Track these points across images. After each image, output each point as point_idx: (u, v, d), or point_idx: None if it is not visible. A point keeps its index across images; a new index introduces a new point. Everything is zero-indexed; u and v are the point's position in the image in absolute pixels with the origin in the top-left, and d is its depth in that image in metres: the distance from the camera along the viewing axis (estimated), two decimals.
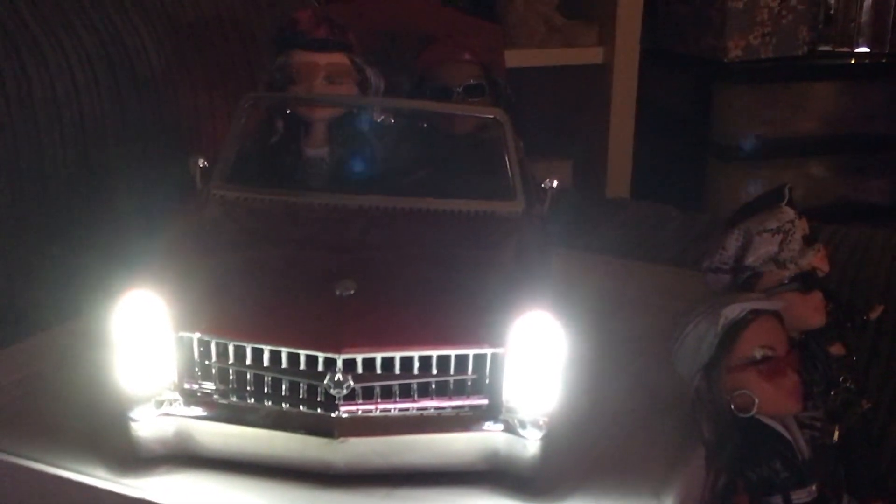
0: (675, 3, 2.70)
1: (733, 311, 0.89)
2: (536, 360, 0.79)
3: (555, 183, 1.03)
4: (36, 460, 0.81)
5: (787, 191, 1.06)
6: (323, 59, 1.10)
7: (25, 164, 1.19)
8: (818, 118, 2.75)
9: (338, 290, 0.81)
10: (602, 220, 1.78)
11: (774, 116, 2.68)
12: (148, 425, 0.80)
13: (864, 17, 2.76)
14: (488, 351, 0.80)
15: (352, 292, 0.81)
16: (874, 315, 1.07)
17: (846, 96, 2.78)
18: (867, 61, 2.76)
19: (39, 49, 1.23)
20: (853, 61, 2.76)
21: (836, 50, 2.77)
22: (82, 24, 1.28)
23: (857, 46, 2.77)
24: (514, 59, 2.05)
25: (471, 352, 0.80)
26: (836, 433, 0.99)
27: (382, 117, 1.08)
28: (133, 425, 0.80)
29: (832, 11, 2.77)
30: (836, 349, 1.03)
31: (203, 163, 1.01)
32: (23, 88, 1.20)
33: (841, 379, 1.01)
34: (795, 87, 2.71)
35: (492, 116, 1.05)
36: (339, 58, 1.11)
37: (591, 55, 2.46)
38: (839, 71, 2.76)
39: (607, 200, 2.15)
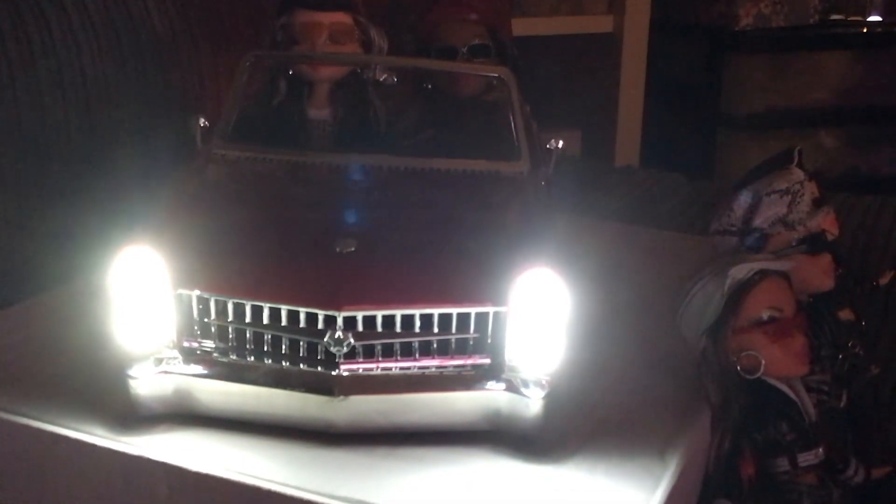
0: None
1: (741, 271, 0.88)
2: (539, 319, 0.78)
3: (560, 143, 1.02)
4: (35, 418, 0.81)
5: (796, 153, 1.05)
6: (326, 18, 1.09)
7: (27, 125, 1.18)
8: (829, 88, 2.72)
9: (338, 247, 0.80)
10: (609, 188, 1.77)
11: (785, 86, 2.66)
12: (147, 383, 0.80)
13: None
14: (490, 309, 0.79)
15: (352, 249, 0.80)
16: (884, 281, 1.06)
17: (857, 66, 2.75)
18: (879, 30, 2.73)
19: (41, 9, 1.22)
20: (865, 30, 2.73)
21: (848, 19, 2.73)
22: None
23: (870, 15, 2.74)
24: (524, 27, 2.04)
25: (473, 310, 0.79)
26: (845, 398, 0.98)
27: (385, 76, 1.07)
28: (132, 383, 0.79)
29: None
30: (846, 314, 1.02)
31: (204, 122, 1.00)
32: (24, 49, 1.19)
33: (850, 344, 1.00)
34: (806, 56, 2.68)
35: (497, 75, 1.04)
36: (342, 17, 1.10)
37: (601, 24, 2.44)
38: (851, 40, 2.73)
39: (615, 168, 2.13)
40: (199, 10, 1.40)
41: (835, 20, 2.72)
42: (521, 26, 1.81)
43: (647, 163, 2.48)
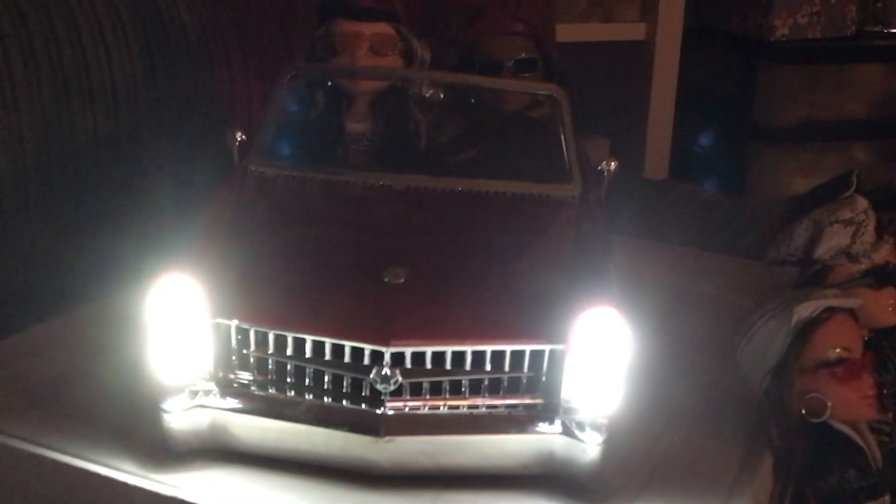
0: None
1: (807, 308, 0.83)
2: (599, 359, 0.74)
3: (612, 165, 0.97)
4: (62, 451, 0.77)
5: (854, 178, 1.01)
6: (367, 28, 1.04)
7: (54, 133, 1.14)
8: (864, 100, 2.67)
9: (386, 277, 0.76)
10: (645, 203, 1.72)
11: (820, 98, 2.61)
12: (181, 417, 0.75)
13: None
14: (547, 347, 0.74)
15: (401, 280, 0.76)
16: None
17: (894, 79, 2.69)
18: None
19: (71, 12, 1.18)
20: None
21: (886, 31, 2.68)
22: None
23: None
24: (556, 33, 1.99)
25: (528, 348, 0.74)
26: None
27: (430, 92, 1.02)
28: (165, 417, 0.75)
29: None
30: None
31: (241, 136, 0.96)
32: (52, 53, 1.15)
33: None
34: (842, 68, 2.63)
35: (549, 93, 0.99)
36: (384, 28, 1.05)
37: (633, 31, 2.40)
38: (888, 53, 2.68)
39: (648, 182, 2.09)
40: (230, 15, 1.36)
41: (872, 32, 2.67)
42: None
43: (676, 173, 2.43)
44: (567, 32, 2.27)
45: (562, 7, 2.33)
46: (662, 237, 1.45)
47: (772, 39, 2.51)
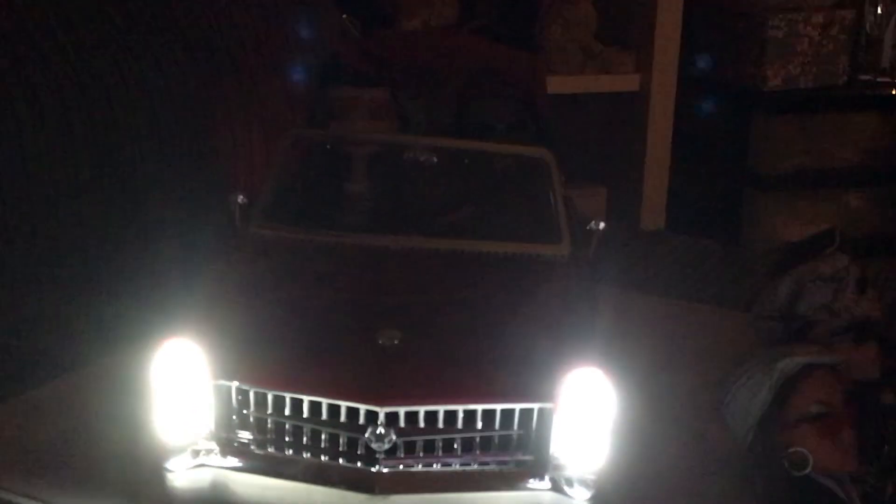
0: (714, 31, 2.67)
1: (788, 364, 0.86)
2: (585, 417, 0.77)
3: (601, 225, 1.00)
4: None
5: (837, 235, 1.03)
6: (365, 93, 1.08)
7: (59, 194, 1.17)
8: (858, 149, 2.70)
9: (381, 339, 0.79)
10: (640, 255, 1.75)
11: (813, 146, 2.64)
12: (184, 476, 0.78)
13: None
14: (535, 406, 0.77)
15: (395, 342, 0.79)
16: None
17: (886, 127, 2.72)
18: None
19: (77, 74, 1.21)
20: (894, 91, 2.71)
21: (877, 80, 2.72)
22: (119, 50, 1.26)
23: None
24: (551, 85, 2.01)
25: (517, 406, 0.77)
26: (890, 488, 0.96)
27: (425, 156, 1.06)
28: (169, 476, 0.78)
29: (872, 41, 2.72)
30: (887, 398, 0.99)
31: (243, 199, 0.99)
32: (61, 117, 1.18)
33: (892, 430, 0.98)
34: (835, 117, 2.67)
35: (538, 156, 1.03)
36: (380, 93, 1.09)
37: (629, 82, 2.43)
38: (880, 101, 2.71)
39: (644, 233, 2.11)
40: (233, 79, 1.40)
41: (864, 81, 2.71)
42: (549, 85, 1.80)
43: (673, 222, 2.46)
44: (563, 84, 2.31)
45: (559, 60, 2.37)
46: (657, 289, 1.47)
47: (765, 89, 2.55)
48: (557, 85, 2.23)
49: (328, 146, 1.08)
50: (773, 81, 2.55)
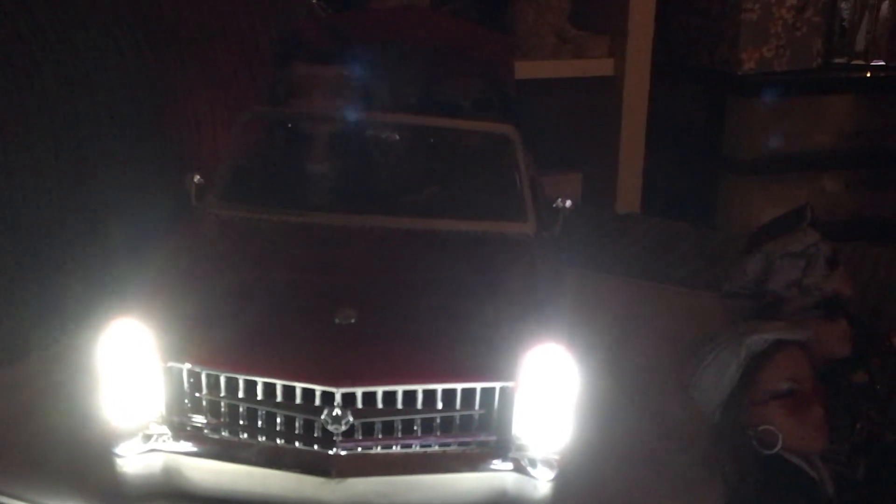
0: (688, 15, 2.66)
1: (756, 341, 0.84)
2: (548, 395, 0.74)
3: (568, 203, 0.98)
4: (15, 498, 0.77)
5: (808, 210, 1.02)
6: (326, 71, 1.06)
7: (9, 171, 1.14)
8: (833, 132, 2.70)
9: (337, 318, 0.77)
10: (613, 237, 1.73)
11: (788, 130, 2.64)
12: (134, 461, 0.75)
13: (880, 29, 2.71)
14: (497, 385, 0.75)
15: (352, 321, 0.77)
16: None
17: (861, 110, 2.73)
18: (882, 75, 2.71)
19: (32, 55, 1.18)
20: (868, 74, 2.71)
21: (852, 63, 2.72)
22: (75, 26, 1.23)
23: (872, 60, 2.72)
24: (524, 70, 2.01)
25: (478, 385, 0.75)
26: (862, 468, 0.94)
27: (387, 133, 1.04)
28: (118, 461, 0.75)
29: (847, 24, 2.72)
30: (859, 377, 0.98)
31: (199, 179, 0.97)
32: (18, 109, 1.15)
33: (863, 409, 0.96)
34: (809, 100, 2.66)
35: (502, 133, 1.01)
36: (342, 70, 1.07)
37: (602, 67, 2.41)
38: (854, 84, 2.71)
39: (618, 216, 2.10)
40: (195, 57, 1.37)
41: (838, 64, 2.70)
42: (522, 69, 1.78)
43: (648, 207, 2.45)
44: (536, 69, 2.30)
45: (532, 44, 2.35)
46: (626, 270, 1.45)
47: (739, 73, 2.54)
48: (530, 70, 2.21)
49: (287, 124, 1.05)
50: (747, 65, 2.55)
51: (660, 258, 1.63)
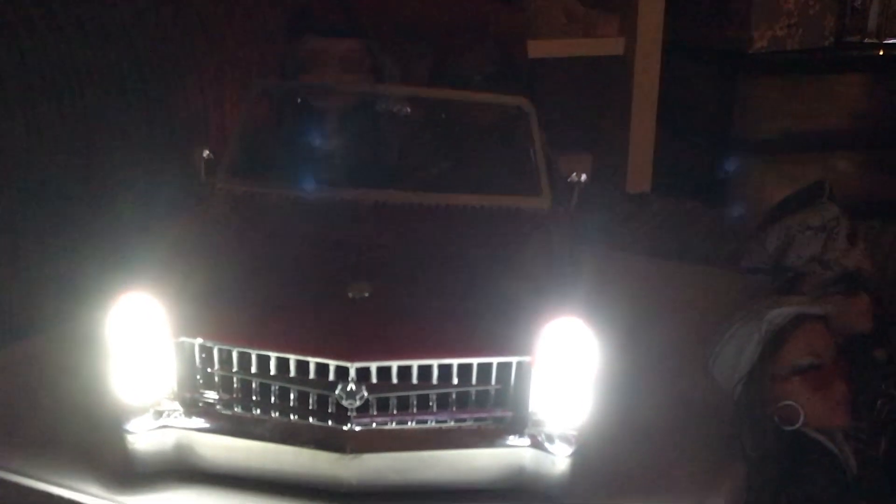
0: None
1: (777, 316, 0.83)
2: (566, 370, 0.73)
3: (583, 177, 0.97)
4: (25, 475, 0.76)
5: (827, 185, 1.01)
6: (336, 45, 1.04)
7: (19, 151, 1.13)
8: (844, 111, 2.67)
9: (351, 292, 0.75)
10: (626, 216, 1.71)
11: (799, 109, 2.61)
12: (145, 438, 0.74)
13: (893, 7, 2.68)
14: (513, 359, 0.74)
15: (366, 295, 0.75)
16: None
17: (873, 89, 2.70)
18: (895, 53, 2.68)
19: (38, 32, 1.16)
20: (881, 53, 2.68)
21: (864, 41, 2.69)
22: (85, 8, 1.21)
23: (885, 38, 2.69)
24: (534, 49, 1.99)
25: (494, 360, 0.74)
26: (883, 444, 0.93)
27: (398, 107, 1.02)
28: (129, 438, 0.74)
29: (859, 2, 2.69)
30: (880, 354, 0.97)
31: (208, 154, 0.95)
32: (19, 66, 1.13)
33: (883, 387, 0.95)
34: (821, 79, 2.64)
35: (516, 105, 0.99)
36: (353, 44, 1.05)
37: (613, 46, 2.39)
38: (867, 63, 2.69)
39: (629, 195, 2.08)
40: (202, 32, 1.35)
41: (850, 42, 2.68)
42: (532, 48, 1.76)
43: (658, 187, 2.43)
44: (546, 48, 2.27)
45: (542, 23, 2.33)
46: (642, 249, 1.44)
47: (750, 52, 2.52)
48: (540, 49, 2.19)
49: (296, 98, 1.03)
50: (758, 44, 2.52)
51: (674, 237, 1.61)
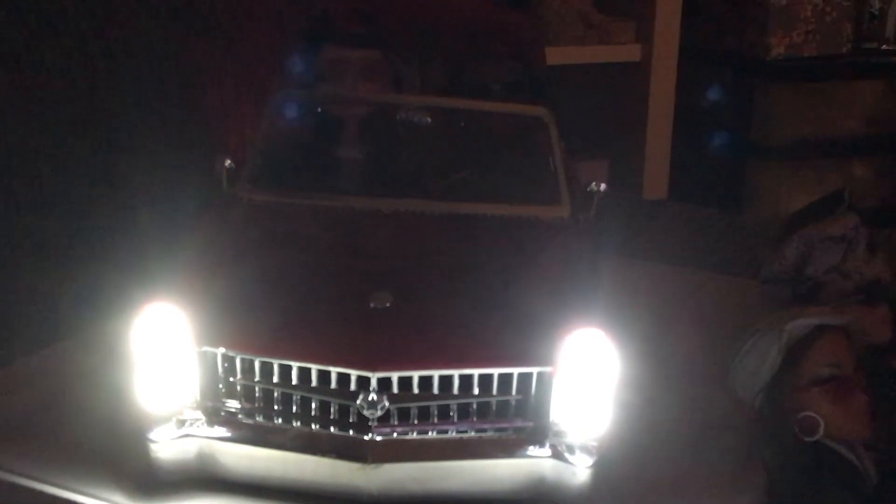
0: (716, 0, 2.63)
1: (798, 326, 0.83)
2: (587, 381, 0.73)
3: (602, 186, 0.97)
4: (49, 483, 0.76)
5: (847, 194, 1.00)
6: (356, 54, 1.04)
7: (42, 162, 1.13)
8: (862, 118, 2.66)
9: (372, 302, 0.76)
10: (643, 223, 1.71)
11: (817, 116, 2.60)
12: (168, 446, 0.75)
13: None
14: (534, 370, 0.74)
15: (387, 305, 0.75)
16: None
17: (891, 95, 2.69)
18: None
19: (60, 41, 1.17)
20: None
21: (882, 48, 2.68)
22: (105, 15, 1.22)
23: None
24: (550, 56, 1.97)
25: (515, 371, 0.74)
26: None
27: (418, 116, 1.02)
28: (152, 446, 0.75)
29: (877, 9, 2.68)
30: None
31: (230, 163, 0.96)
32: (43, 83, 1.14)
33: None
34: (839, 85, 2.63)
35: (536, 115, 0.99)
36: (372, 53, 1.05)
37: (629, 53, 2.39)
38: (884, 69, 2.67)
39: (646, 202, 2.08)
40: (222, 41, 1.36)
41: (867, 49, 2.67)
42: (549, 56, 1.77)
43: (675, 193, 2.43)
44: (563, 55, 2.27)
45: (558, 30, 2.33)
46: (659, 257, 1.44)
47: (768, 58, 2.51)
48: (557, 56, 2.18)
49: (317, 107, 1.04)
50: (776, 50, 2.52)
51: (691, 244, 1.61)
